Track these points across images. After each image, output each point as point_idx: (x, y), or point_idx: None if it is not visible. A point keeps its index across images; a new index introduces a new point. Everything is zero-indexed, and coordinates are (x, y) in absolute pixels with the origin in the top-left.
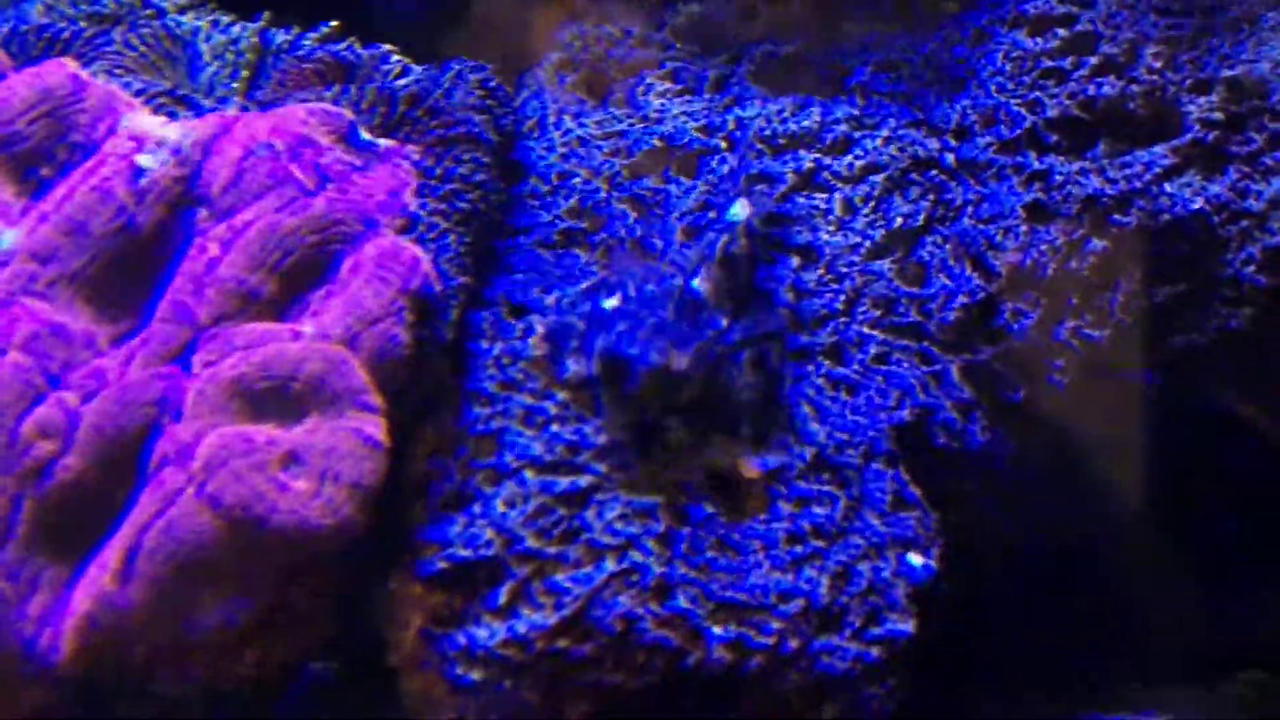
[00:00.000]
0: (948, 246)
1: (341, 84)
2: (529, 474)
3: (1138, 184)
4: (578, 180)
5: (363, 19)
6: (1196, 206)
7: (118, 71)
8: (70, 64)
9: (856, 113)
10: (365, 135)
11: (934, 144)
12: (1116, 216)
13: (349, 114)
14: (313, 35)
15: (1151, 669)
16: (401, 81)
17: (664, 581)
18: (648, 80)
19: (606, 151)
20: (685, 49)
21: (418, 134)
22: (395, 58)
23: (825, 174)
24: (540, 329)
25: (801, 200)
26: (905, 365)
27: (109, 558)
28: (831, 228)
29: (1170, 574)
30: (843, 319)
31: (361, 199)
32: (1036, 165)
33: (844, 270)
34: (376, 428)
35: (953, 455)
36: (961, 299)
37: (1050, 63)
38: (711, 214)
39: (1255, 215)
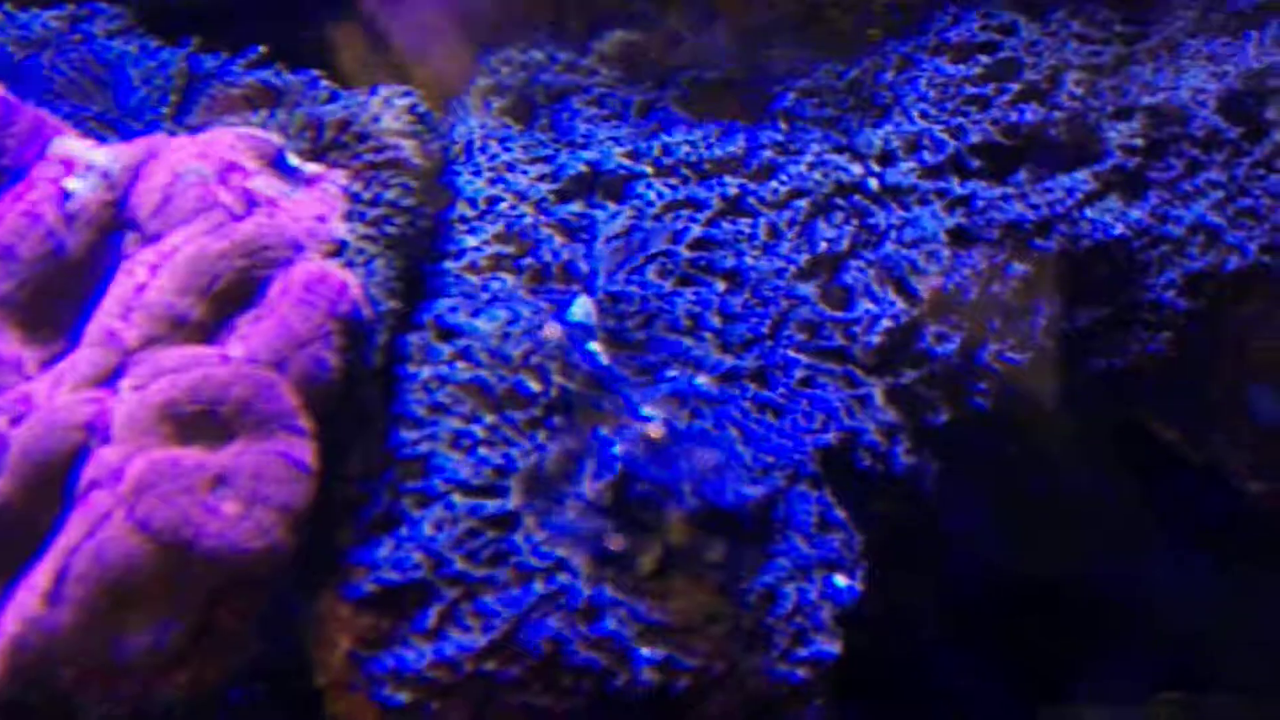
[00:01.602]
0: (871, 271)
1: (269, 109)
2: (457, 497)
3: (1059, 209)
4: (504, 205)
5: (291, 45)
6: (1117, 232)
7: (46, 96)
8: None
9: (781, 138)
10: (293, 160)
11: (858, 169)
12: (1038, 241)
13: (277, 139)
14: (241, 61)
15: (1077, 689)
16: (330, 107)
17: (592, 603)
18: (574, 105)
19: (533, 176)
20: (611, 75)
21: (346, 159)
22: (323, 83)
23: (750, 199)
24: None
25: (726, 225)
26: (830, 389)
27: (38, 580)
28: (756, 252)
29: (1094, 594)
30: (768, 343)
31: (289, 223)
32: (959, 190)
33: (769, 294)
34: (305, 451)
35: (877, 478)
36: (885, 323)
37: (973, 89)
38: (637, 239)
39: (1175, 240)
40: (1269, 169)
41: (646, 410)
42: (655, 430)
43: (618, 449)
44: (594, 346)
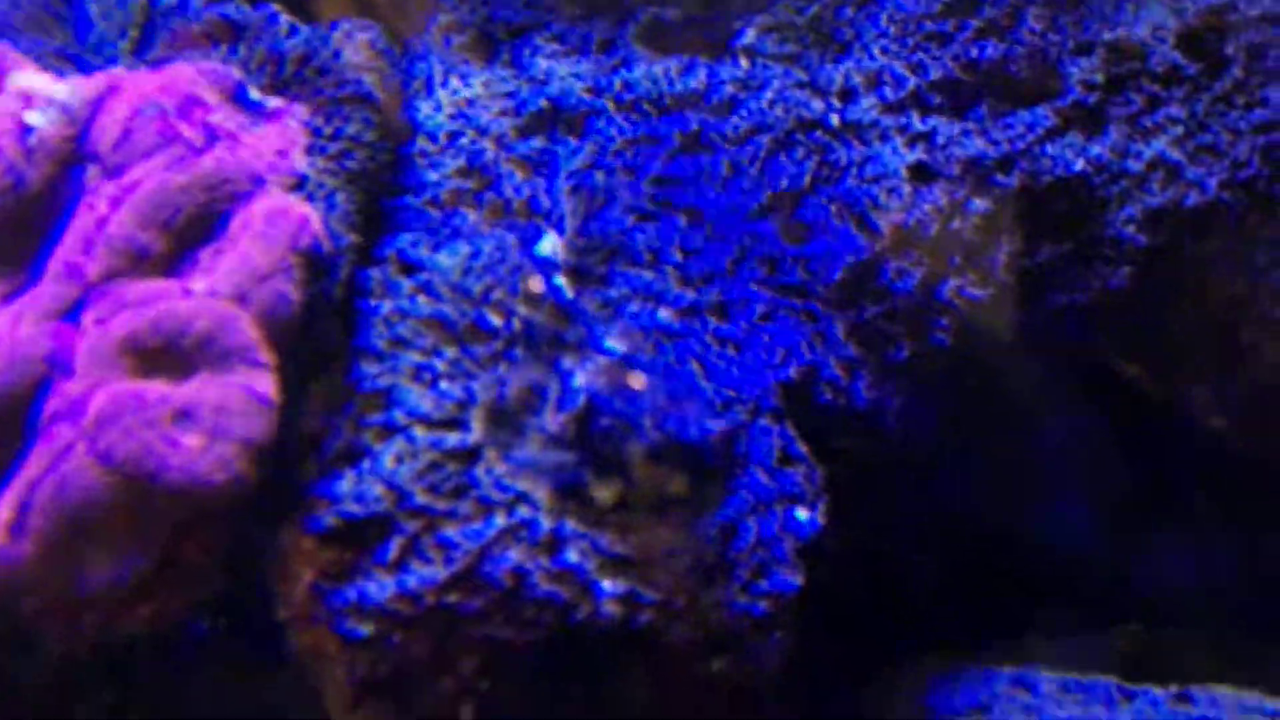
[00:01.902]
0: (833, 206)
1: (230, 44)
2: (418, 430)
3: (1020, 145)
4: (465, 140)
5: None
6: (1078, 167)
7: (4, 31)
8: None
9: (742, 74)
10: (254, 94)
11: (819, 105)
12: (998, 177)
13: (238, 73)
14: None
15: (1038, 623)
16: (290, 41)
17: (554, 536)
18: (535, 41)
19: (494, 112)
20: (571, 11)
21: (307, 93)
22: (284, 18)
23: (711, 134)
24: None
25: (688, 160)
26: (791, 323)
27: (1, 513)
28: (718, 187)
29: (1058, 529)
30: (730, 277)
31: (250, 157)
32: (920, 126)
33: (730, 230)
34: (267, 384)
35: (838, 412)
36: (846, 258)
37: (933, 25)
38: (599, 175)
39: (1135, 176)
40: (1228, 105)
41: (609, 344)
42: (636, 380)
43: (579, 381)
44: (560, 280)
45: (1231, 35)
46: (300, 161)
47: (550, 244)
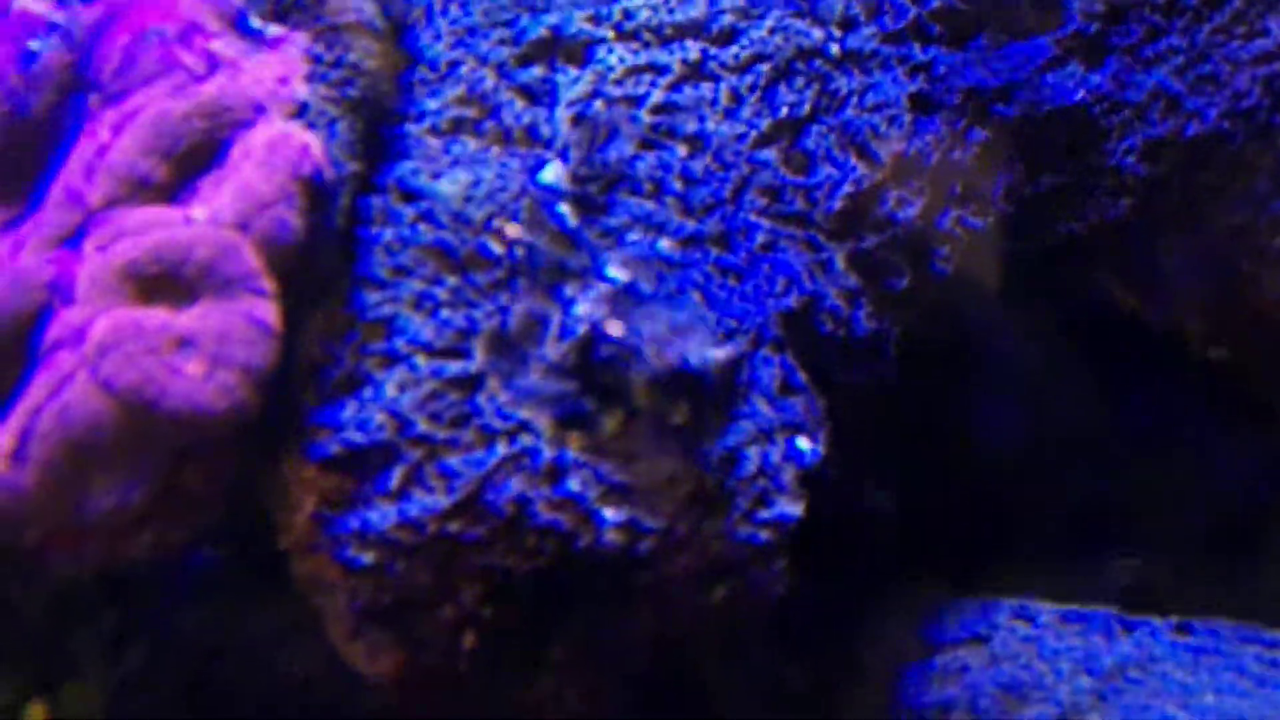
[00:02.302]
0: (833, 136)
1: None
2: (420, 359)
3: (1020, 75)
4: (465, 69)
5: None
6: (1078, 97)
7: None
8: None
9: (742, 3)
10: (255, 22)
11: (819, 34)
12: (999, 107)
13: (238, 0)
14: None
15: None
16: None
17: (556, 465)
18: None
19: (494, 40)
20: None
21: (308, 21)
22: None
23: (712, 64)
24: None
25: (688, 90)
26: (792, 253)
27: (2, 441)
28: (718, 117)
29: (1058, 460)
30: (730, 207)
31: (251, 85)
32: (920, 56)
33: (730, 159)
34: (268, 312)
35: (839, 342)
36: (847, 187)
37: None
38: (599, 104)
39: (1136, 106)
40: (1229, 35)
41: (611, 272)
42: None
43: (581, 310)
44: (563, 208)
45: None
46: (301, 89)
47: (553, 172)
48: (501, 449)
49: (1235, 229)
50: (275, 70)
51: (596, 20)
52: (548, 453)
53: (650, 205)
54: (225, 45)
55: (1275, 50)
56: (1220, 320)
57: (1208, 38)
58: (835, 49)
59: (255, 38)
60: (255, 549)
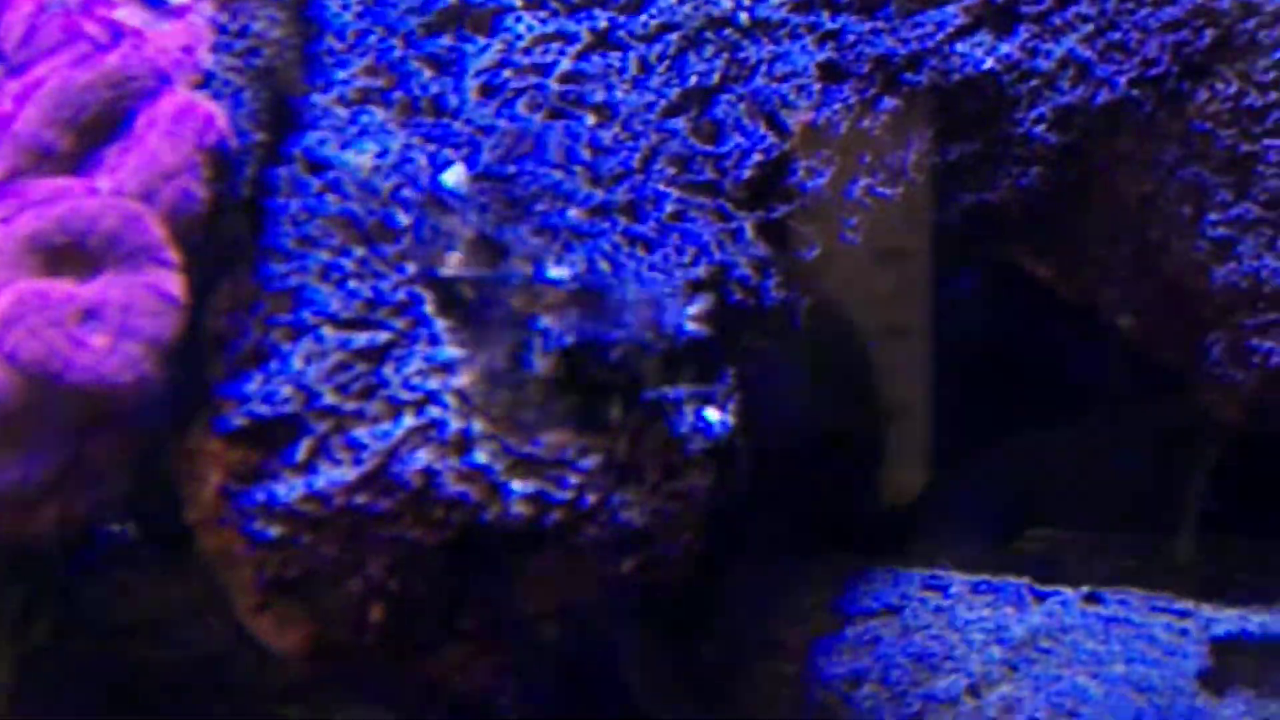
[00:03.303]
0: (742, 105)
1: None
2: (326, 330)
3: (929, 43)
4: (373, 38)
5: None
6: (988, 65)
7: None
8: None
9: None
10: None
11: (728, 3)
12: (908, 75)
13: None
14: None
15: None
16: None
17: (462, 436)
18: None
19: (402, 9)
20: None
21: None
22: None
23: (620, 32)
24: None
25: (596, 59)
26: (701, 222)
27: None
28: (626, 86)
29: (966, 432)
30: (639, 176)
31: (156, 54)
32: (829, 24)
33: (639, 128)
34: (174, 283)
35: (748, 311)
36: (756, 156)
37: None
38: (507, 72)
39: (1045, 74)
40: (1138, 3)
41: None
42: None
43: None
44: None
45: None
46: (206, 59)
47: (455, 174)
48: (408, 420)
49: (1145, 197)
50: (180, 39)
51: None
52: (455, 424)
53: (558, 175)
54: (129, 14)
55: (1184, 17)
56: (1130, 288)
57: (1117, 5)
58: (744, 17)
59: (159, 7)
60: (162, 523)
